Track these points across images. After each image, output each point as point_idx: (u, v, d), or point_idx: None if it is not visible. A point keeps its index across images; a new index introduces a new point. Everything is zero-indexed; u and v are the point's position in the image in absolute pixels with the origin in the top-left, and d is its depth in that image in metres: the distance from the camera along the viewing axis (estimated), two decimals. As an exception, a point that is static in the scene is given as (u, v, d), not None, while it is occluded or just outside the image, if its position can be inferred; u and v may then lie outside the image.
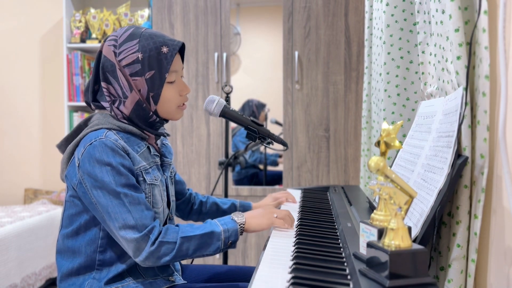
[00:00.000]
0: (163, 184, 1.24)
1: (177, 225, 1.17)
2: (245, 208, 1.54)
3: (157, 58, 1.16)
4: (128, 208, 1.09)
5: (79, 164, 1.12)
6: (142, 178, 1.16)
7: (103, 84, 1.18)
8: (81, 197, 1.14)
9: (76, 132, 1.23)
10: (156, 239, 1.10)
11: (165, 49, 1.16)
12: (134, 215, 1.09)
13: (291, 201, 1.59)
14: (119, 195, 1.09)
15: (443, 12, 1.07)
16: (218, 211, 1.54)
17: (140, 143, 1.20)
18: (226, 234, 1.15)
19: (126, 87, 1.16)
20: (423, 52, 1.34)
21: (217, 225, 1.16)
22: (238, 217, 1.20)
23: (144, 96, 1.17)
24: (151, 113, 1.19)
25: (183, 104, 1.25)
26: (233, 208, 1.54)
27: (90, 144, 1.11)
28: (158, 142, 1.30)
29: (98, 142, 1.11)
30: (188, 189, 1.53)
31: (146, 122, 1.21)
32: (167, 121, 1.26)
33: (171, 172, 1.33)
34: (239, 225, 1.18)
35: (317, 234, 1.16)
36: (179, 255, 1.12)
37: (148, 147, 1.22)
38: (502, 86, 0.86)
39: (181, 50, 1.26)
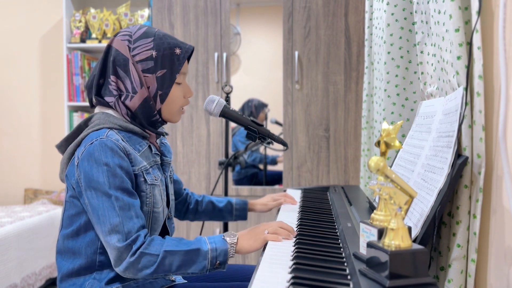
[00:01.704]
0: (163, 183, 1.24)
1: (164, 237, 1.12)
2: (241, 206, 1.54)
3: (170, 58, 1.18)
4: (117, 213, 1.07)
5: (78, 163, 1.12)
6: (143, 179, 1.16)
7: (112, 78, 1.17)
8: (78, 197, 1.14)
9: (76, 132, 1.22)
10: (137, 249, 1.06)
11: (178, 51, 1.19)
12: (122, 221, 1.07)
13: (290, 202, 1.59)
14: (111, 197, 1.07)
15: (439, 12, 1.07)
16: (214, 210, 1.54)
17: (141, 142, 1.20)
18: (214, 253, 1.09)
19: (137, 82, 1.17)
20: (421, 52, 1.34)
21: (206, 243, 1.11)
22: (230, 237, 1.13)
23: (152, 94, 1.18)
24: (156, 111, 1.20)
25: (183, 108, 1.26)
26: (229, 206, 1.54)
27: (91, 143, 1.11)
28: (158, 141, 1.30)
29: (99, 142, 1.11)
30: (184, 189, 1.53)
31: (149, 121, 1.21)
32: (165, 122, 1.26)
33: (170, 171, 1.33)
34: (230, 245, 1.11)
35: (317, 234, 1.16)
36: (161, 269, 1.07)
37: (149, 146, 1.22)
38: (502, 86, 0.86)
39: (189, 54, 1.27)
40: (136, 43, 1.17)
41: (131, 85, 1.17)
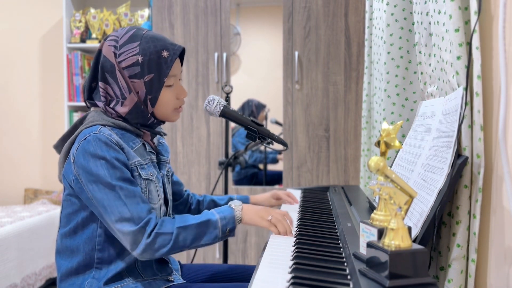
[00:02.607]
0: (159, 180, 1.24)
1: (173, 217, 1.17)
2: (243, 201, 1.55)
3: (157, 62, 1.16)
4: (123, 201, 1.09)
5: (74, 160, 1.12)
6: (137, 173, 1.16)
7: (100, 84, 1.18)
8: (78, 194, 1.14)
9: (71, 131, 1.23)
10: (152, 231, 1.09)
11: (165, 53, 1.16)
12: (130, 208, 1.09)
13: (292, 201, 1.59)
14: (114, 188, 1.09)
15: (439, 12, 1.07)
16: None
17: (135, 139, 1.20)
18: (223, 221, 1.15)
19: (125, 89, 1.16)
20: (420, 52, 1.34)
21: (214, 213, 1.17)
22: (235, 204, 1.20)
23: (141, 99, 1.18)
24: (149, 115, 1.20)
25: (180, 107, 1.25)
26: None
27: (84, 139, 1.12)
28: (155, 140, 1.30)
29: (92, 137, 1.11)
30: (185, 190, 1.53)
31: (145, 123, 1.22)
32: (163, 122, 1.26)
33: (167, 171, 1.33)
34: (236, 211, 1.18)
35: (317, 234, 1.16)
36: (177, 246, 1.11)
37: (143, 144, 1.22)
38: (502, 86, 0.86)
39: (181, 53, 1.26)
40: (122, 49, 1.16)
41: (120, 91, 1.17)
